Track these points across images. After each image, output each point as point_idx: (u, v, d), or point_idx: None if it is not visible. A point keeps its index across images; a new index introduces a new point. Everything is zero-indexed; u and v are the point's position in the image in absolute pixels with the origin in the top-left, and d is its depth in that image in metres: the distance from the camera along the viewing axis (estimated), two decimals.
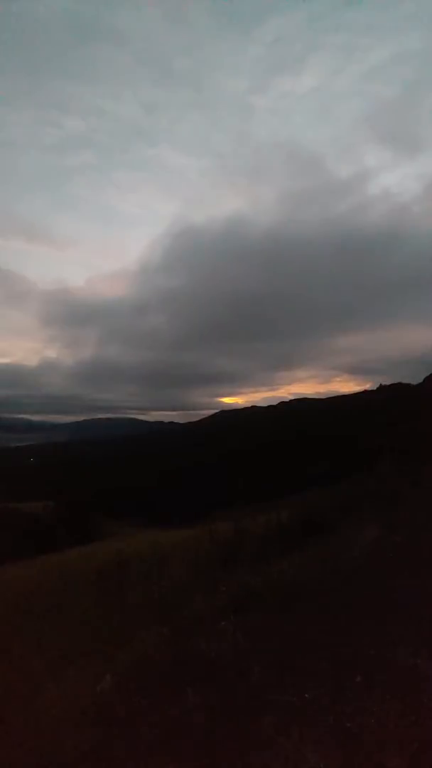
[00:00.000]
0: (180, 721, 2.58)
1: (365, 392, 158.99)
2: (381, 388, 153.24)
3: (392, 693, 2.46)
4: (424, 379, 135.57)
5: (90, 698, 3.03)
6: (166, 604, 5.64)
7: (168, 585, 6.51)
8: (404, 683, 2.55)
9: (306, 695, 2.59)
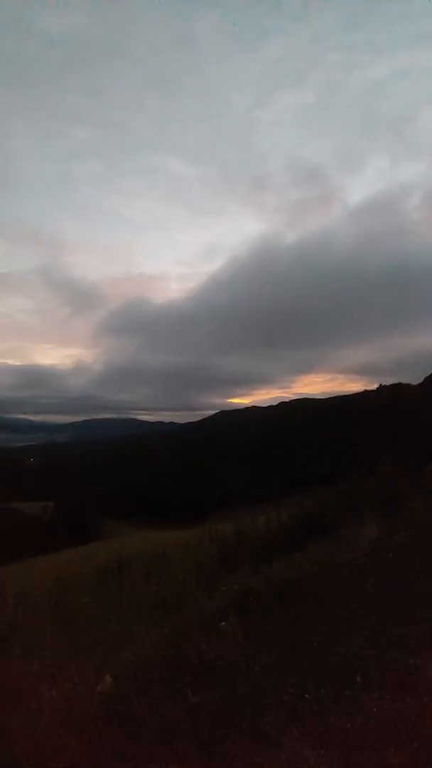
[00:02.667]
0: (180, 722, 2.58)
1: (365, 392, 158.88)
2: (381, 388, 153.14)
3: (392, 693, 2.46)
4: (424, 379, 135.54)
5: (90, 698, 3.02)
6: (166, 604, 5.64)
7: (168, 585, 6.50)
8: (404, 683, 2.55)
9: (306, 695, 2.59)
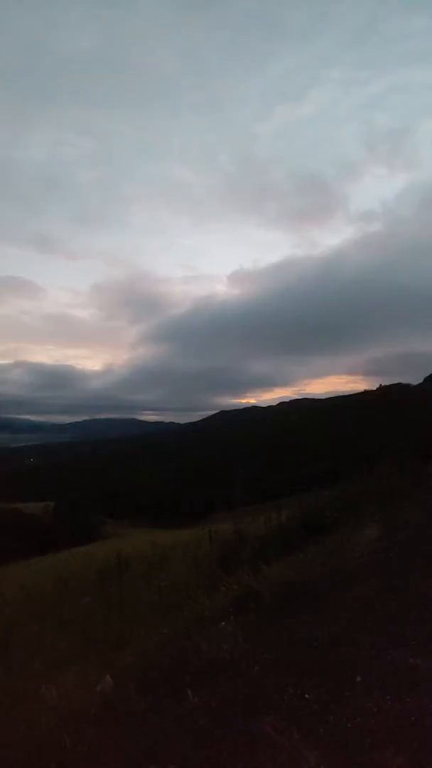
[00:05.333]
0: (180, 722, 2.58)
1: (365, 392, 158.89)
2: (381, 388, 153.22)
3: (392, 693, 2.46)
4: (424, 379, 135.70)
5: (90, 698, 3.02)
6: (166, 604, 5.65)
7: (168, 585, 6.51)
8: (404, 683, 2.54)
9: (306, 695, 2.59)
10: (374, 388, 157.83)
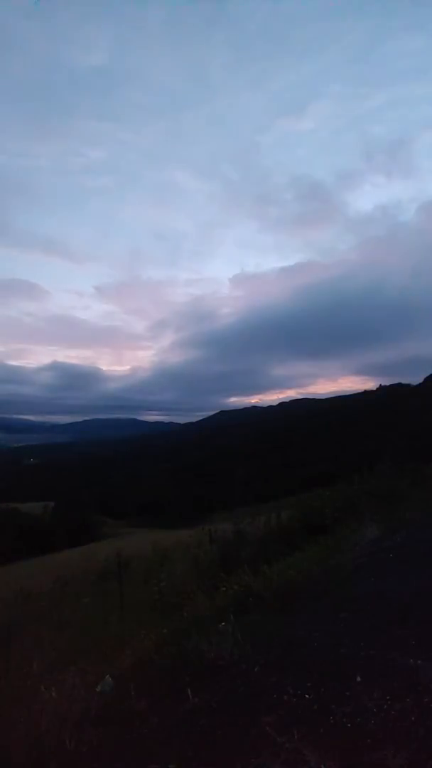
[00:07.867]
0: (180, 722, 2.58)
1: (365, 392, 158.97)
2: (381, 388, 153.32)
3: (392, 693, 2.46)
4: (424, 379, 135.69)
5: (90, 698, 3.02)
6: (166, 604, 5.65)
7: (168, 585, 6.51)
8: (404, 683, 2.55)
9: (306, 695, 2.59)
10: (374, 388, 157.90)
